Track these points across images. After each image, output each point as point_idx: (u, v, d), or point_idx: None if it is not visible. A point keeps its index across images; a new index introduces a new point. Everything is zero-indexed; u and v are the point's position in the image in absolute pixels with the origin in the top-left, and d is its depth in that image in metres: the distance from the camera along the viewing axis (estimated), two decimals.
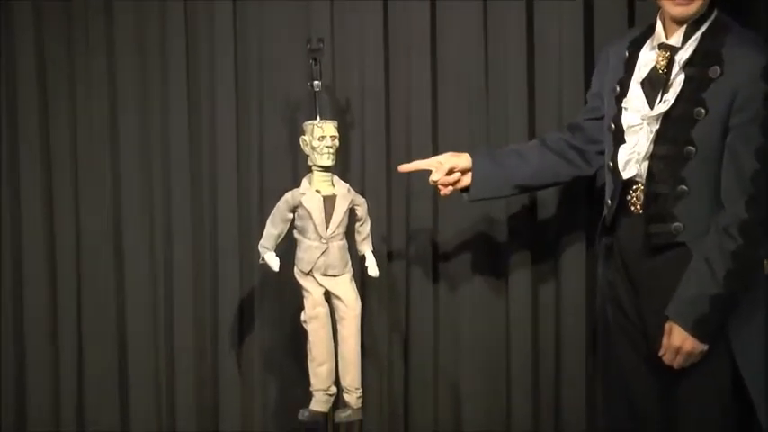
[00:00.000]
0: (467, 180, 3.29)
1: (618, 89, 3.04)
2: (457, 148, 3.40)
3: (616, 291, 3.09)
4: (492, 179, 3.29)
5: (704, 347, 2.85)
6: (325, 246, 3.35)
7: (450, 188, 3.30)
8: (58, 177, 3.90)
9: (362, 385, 3.46)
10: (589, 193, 3.68)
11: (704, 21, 2.91)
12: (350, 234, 3.46)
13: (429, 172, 3.27)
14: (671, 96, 2.89)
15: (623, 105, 3.00)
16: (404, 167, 3.36)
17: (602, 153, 3.14)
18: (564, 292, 3.75)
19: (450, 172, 3.26)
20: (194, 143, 3.86)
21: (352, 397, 3.42)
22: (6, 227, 3.92)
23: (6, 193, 3.91)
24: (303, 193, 3.36)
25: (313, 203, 3.34)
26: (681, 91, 2.87)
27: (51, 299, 3.92)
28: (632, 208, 2.99)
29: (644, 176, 2.95)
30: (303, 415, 3.42)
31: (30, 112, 3.87)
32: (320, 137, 3.34)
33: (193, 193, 3.87)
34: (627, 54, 3.05)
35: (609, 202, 3.05)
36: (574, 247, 3.71)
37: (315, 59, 3.43)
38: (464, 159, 3.28)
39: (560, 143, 3.29)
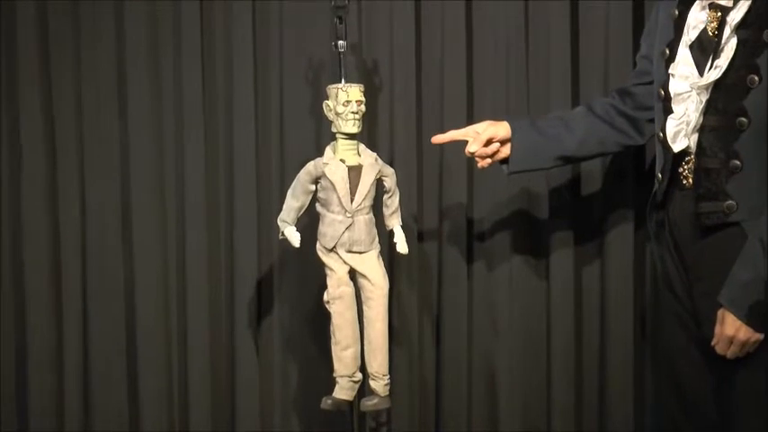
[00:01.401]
0: (506, 151, 3.30)
1: (667, 52, 3.02)
2: (494, 116, 3.41)
3: (666, 270, 3.09)
4: (533, 150, 3.30)
5: (760, 336, 2.83)
6: (350, 220, 3.35)
7: (489, 160, 3.30)
8: (61, 144, 3.92)
9: (390, 372, 3.46)
10: (637, 166, 3.69)
11: None
12: (377, 207, 3.46)
13: (464, 142, 3.28)
14: (723, 62, 2.86)
15: (670, 71, 2.99)
16: (437, 138, 3.37)
17: (653, 121, 3.13)
18: (609, 274, 3.76)
19: (488, 142, 3.27)
20: (209, 108, 3.88)
21: (380, 384, 3.42)
22: (5, 208, 3.95)
23: (6, 176, 3.93)
24: (326, 163, 3.35)
25: (337, 174, 3.34)
26: (733, 56, 2.84)
27: (55, 279, 3.95)
28: (684, 182, 2.98)
29: (694, 150, 2.94)
30: (326, 403, 3.42)
31: (31, 64, 3.89)
32: (345, 101, 3.32)
33: (208, 162, 3.88)
34: (677, 13, 3.02)
35: (659, 175, 3.06)
36: (621, 224, 3.71)
37: (339, 17, 3.41)
38: (503, 128, 3.28)
39: (608, 109, 3.30)
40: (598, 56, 3.70)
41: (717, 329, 2.88)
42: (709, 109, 2.89)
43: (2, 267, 3.95)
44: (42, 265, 3.94)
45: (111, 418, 3.95)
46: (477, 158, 3.30)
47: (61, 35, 3.88)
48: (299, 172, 3.41)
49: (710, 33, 2.92)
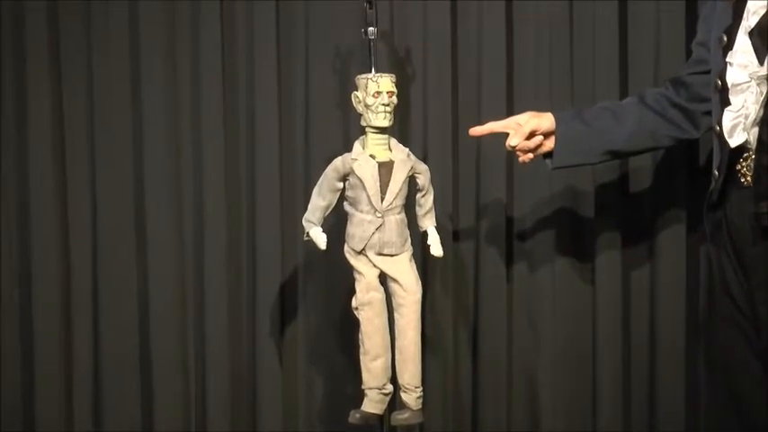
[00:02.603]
0: (549, 144, 3.25)
1: (725, 39, 2.96)
2: (536, 108, 3.35)
3: (724, 275, 3.03)
4: (579, 143, 3.26)
5: None
6: (380, 220, 3.33)
7: (531, 155, 3.26)
8: (70, 142, 3.92)
9: (423, 384, 3.44)
10: (691, 162, 3.68)
11: None
12: (409, 207, 3.44)
13: (504, 135, 3.23)
14: None
15: (728, 60, 2.94)
16: (476, 130, 3.31)
17: (710, 113, 3.08)
18: (660, 278, 3.75)
19: (530, 135, 3.22)
20: (229, 100, 3.87)
21: (412, 397, 3.40)
22: (13, 210, 3.95)
23: (13, 178, 3.93)
24: (355, 159, 3.34)
25: (367, 171, 3.32)
26: None
27: (64, 279, 3.94)
28: (743, 180, 2.92)
29: (754, 145, 2.87)
30: (354, 417, 3.41)
31: (40, 63, 3.89)
32: (375, 93, 3.31)
33: (228, 157, 3.87)
34: None
35: (716, 172, 3.00)
36: (672, 225, 3.70)
37: (370, 2, 3.40)
38: (547, 120, 3.24)
39: (661, 100, 3.25)
40: (648, 44, 3.69)
41: None
42: None
43: (9, 271, 3.96)
44: (51, 271, 3.93)
45: (123, 429, 3.95)
46: (518, 152, 3.25)
47: (72, 34, 3.89)
48: (325, 168, 3.39)
49: None
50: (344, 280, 3.54)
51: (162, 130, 3.89)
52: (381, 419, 3.50)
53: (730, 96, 2.91)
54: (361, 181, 3.33)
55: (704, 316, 3.24)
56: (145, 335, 3.94)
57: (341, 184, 3.37)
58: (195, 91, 3.87)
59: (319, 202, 3.37)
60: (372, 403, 3.40)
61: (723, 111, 2.93)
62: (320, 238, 3.34)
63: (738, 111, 2.89)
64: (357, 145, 3.38)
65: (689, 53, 3.34)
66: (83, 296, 3.93)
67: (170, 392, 3.93)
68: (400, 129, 3.70)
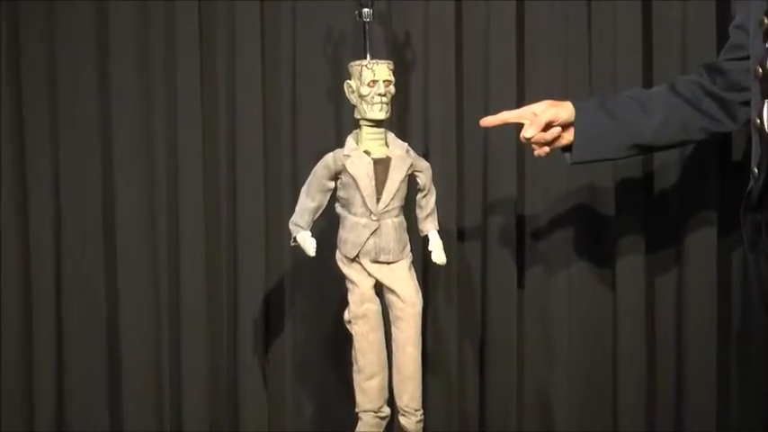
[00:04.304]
0: (568, 137, 3.11)
1: (765, 22, 2.82)
2: (550, 96, 3.22)
3: (762, 282, 2.91)
4: (602, 136, 3.12)
5: None
6: (376, 224, 3.25)
7: (547, 148, 3.12)
8: (31, 146, 3.86)
9: (424, 406, 3.36)
10: (724, 157, 3.63)
11: None
12: (409, 209, 3.36)
13: (516, 126, 3.11)
14: None
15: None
16: (487, 121, 3.17)
17: (748, 104, 2.96)
18: (688, 285, 3.68)
19: (547, 126, 3.08)
20: (208, 90, 3.82)
21: (411, 421, 3.32)
22: None
23: None
24: (348, 155, 3.26)
25: (361, 168, 3.24)
26: None
27: (25, 284, 3.88)
28: None
29: None
30: None
31: None
32: (371, 81, 3.23)
33: (206, 154, 3.83)
34: None
35: (755, 170, 2.86)
36: (702, 227, 3.66)
37: None
38: (566, 110, 3.09)
39: (694, 89, 3.12)
40: (675, 27, 3.66)
41: None
42: None
43: None
44: (10, 279, 3.88)
45: None
46: (533, 145, 3.12)
47: (35, 31, 3.85)
48: (314, 166, 3.32)
49: None
50: (336, 290, 3.50)
51: (133, 125, 3.83)
52: None
53: None
54: (354, 180, 3.25)
55: (738, 327, 3.38)
56: (114, 356, 3.88)
57: (332, 184, 3.30)
58: (170, 78, 3.82)
59: (308, 203, 3.30)
60: (367, 427, 3.34)
61: (764, 102, 2.80)
62: (309, 244, 3.27)
63: None
64: (350, 140, 3.31)
65: (720, 42, 3.32)
66: (45, 302, 3.86)
67: (142, 416, 3.88)
68: (398, 122, 3.68)
